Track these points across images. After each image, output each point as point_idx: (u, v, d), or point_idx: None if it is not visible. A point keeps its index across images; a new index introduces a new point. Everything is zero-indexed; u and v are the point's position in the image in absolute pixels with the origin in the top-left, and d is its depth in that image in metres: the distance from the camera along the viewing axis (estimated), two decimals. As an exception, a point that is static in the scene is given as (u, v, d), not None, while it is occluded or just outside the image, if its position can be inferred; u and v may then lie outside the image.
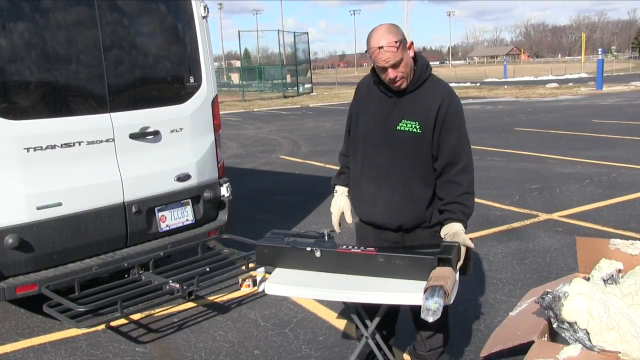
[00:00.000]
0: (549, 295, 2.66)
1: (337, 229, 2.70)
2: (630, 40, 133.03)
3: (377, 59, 2.29)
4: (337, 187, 2.76)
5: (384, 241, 2.56)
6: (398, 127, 2.41)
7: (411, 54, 2.35)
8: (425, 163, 2.43)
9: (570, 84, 32.48)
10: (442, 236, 2.38)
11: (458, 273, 2.24)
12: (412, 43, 2.35)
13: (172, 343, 3.43)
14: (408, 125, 2.39)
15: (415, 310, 2.57)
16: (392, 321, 2.79)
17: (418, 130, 2.38)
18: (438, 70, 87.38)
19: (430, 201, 2.48)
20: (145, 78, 4.06)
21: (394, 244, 2.53)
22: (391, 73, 2.31)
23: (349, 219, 2.69)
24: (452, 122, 2.39)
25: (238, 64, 57.42)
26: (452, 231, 2.34)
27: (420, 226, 2.50)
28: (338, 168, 2.82)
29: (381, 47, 2.25)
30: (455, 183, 2.40)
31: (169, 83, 4.23)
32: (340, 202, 2.70)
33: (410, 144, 2.40)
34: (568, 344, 2.57)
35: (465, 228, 2.38)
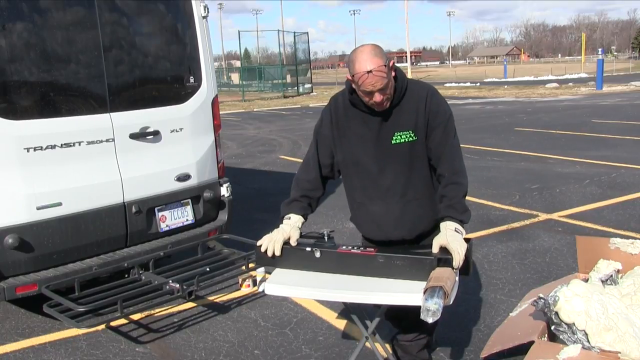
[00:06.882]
0: (541, 299, 2.67)
1: (277, 252, 2.34)
2: (630, 40, 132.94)
3: (365, 83, 2.17)
4: (292, 215, 2.42)
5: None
6: (393, 141, 2.36)
7: (393, 73, 2.28)
8: (427, 167, 2.42)
9: (570, 84, 32.46)
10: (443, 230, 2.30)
11: (458, 273, 2.24)
12: (393, 62, 2.27)
13: (172, 343, 3.44)
14: (403, 136, 2.35)
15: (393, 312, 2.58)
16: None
17: (413, 137, 2.35)
18: (438, 70, 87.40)
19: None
20: (145, 78, 4.07)
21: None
22: (377, 97, 2.22)
23: (293, 243, 2.41)
24: (436, 115, 2.34)
25: (238, 64, 57.41)
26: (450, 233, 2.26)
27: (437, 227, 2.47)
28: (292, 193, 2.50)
29: (370, 72, 2.14)
30: (456, 184, 2.35)
31: (169, 83, 4.23)
32: (287, 230, 2.37)
33: (410, 154, 2.37)
34: (567, 344, 2.57)
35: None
